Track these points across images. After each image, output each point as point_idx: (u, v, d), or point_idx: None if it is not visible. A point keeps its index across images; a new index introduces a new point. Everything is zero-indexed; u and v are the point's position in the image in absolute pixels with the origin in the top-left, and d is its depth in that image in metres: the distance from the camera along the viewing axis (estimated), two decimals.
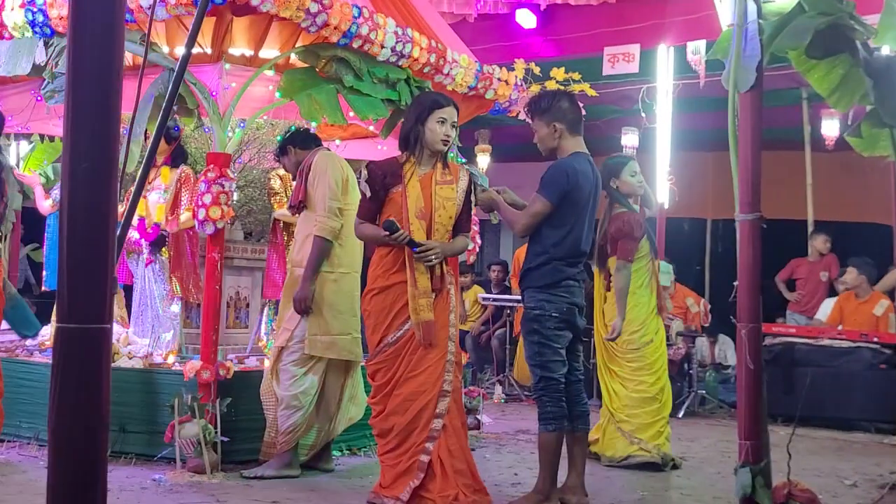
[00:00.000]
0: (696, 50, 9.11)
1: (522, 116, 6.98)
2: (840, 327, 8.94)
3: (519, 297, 9.63)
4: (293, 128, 5.71)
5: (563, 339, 4.64)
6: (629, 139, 10.76)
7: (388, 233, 4.40)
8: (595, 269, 6.25)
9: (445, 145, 4.61)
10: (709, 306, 10.67)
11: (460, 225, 4.68)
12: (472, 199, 4.77)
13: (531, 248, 4.72)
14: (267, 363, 5.71)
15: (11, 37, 5.62)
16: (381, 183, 4.53)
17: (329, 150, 5.85)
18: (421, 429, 4.44)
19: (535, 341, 4.63)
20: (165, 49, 5.60)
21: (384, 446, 4.54)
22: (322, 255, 5.31)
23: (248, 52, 5.67)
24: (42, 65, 5.54)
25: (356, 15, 5.41)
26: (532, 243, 4.71)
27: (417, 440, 4.43)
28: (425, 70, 5.99)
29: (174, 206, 6.12)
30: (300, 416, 5.32)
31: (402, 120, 4.65)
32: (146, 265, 6.27)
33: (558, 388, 4.60)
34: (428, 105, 4.62)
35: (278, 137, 6.01)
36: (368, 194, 4.54)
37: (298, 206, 5.45)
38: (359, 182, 4.65)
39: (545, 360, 4.60)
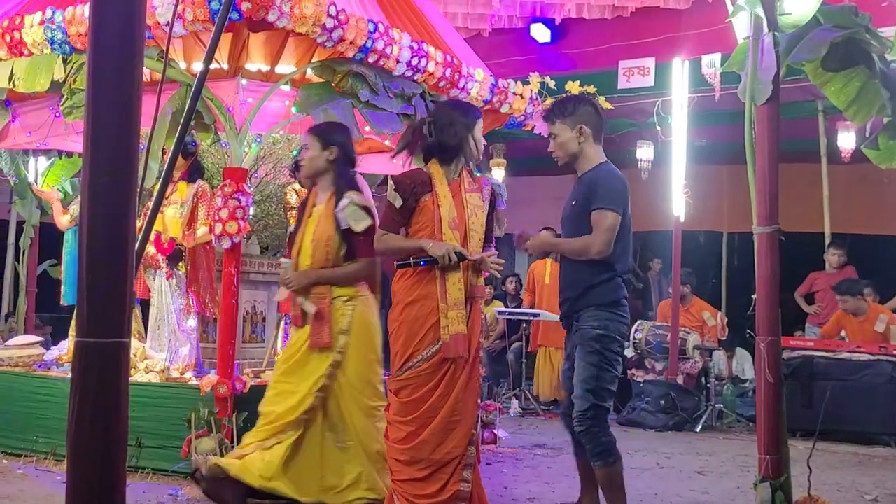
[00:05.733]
0: (711, 63, 9.11)
1: (538, 130, 7.00)
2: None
3: (535, 312, 9.72)
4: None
5: (619, 364, 4.42)
6: (644, 152, 10.76)
7: (458, 260, 4.21)
8: None
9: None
10: (725, 319, 10.63)
11: (486, 236, 4.48)
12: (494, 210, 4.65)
13: (592, 265, 4.37)
14: None
15: (31, 53, 5.66)
16: (410, 192, 4.31)
17: None
18: (461, 457, 4.21)
19: (594, 363, 4.30)
20: (182, 65, 5.63)
21: (408, 474, 4.21)
22: None
23: (265, 68, 5.69)
24: (60, 81, 5.58)
25: (372, 30, 5.43)
26: (592, 260, 4.38)
27: (454, 468, 4.21)
28: (441, 84, 6.00)
29: (191, 220, 6.14)
30: None
31: (437, 129, 4.39)
32: (167, 278, 6.28)
33: (606, 416, 4.37)
34: (473, 115, 4.48)
35: (294, 153, 6.04)
36: (397, 205, 4.32)
37: None
38: (384, 194, 4.53)
39: (601, 386, 4.30)
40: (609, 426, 4.30)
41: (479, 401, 4.42)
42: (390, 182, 4.38)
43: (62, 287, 7.13)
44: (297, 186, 6.52)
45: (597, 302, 4.35)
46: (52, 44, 5.49)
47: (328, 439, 4.75)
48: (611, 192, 4.38)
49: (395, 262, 4.34)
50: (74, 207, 7.02)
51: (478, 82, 6.27)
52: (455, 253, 4.21)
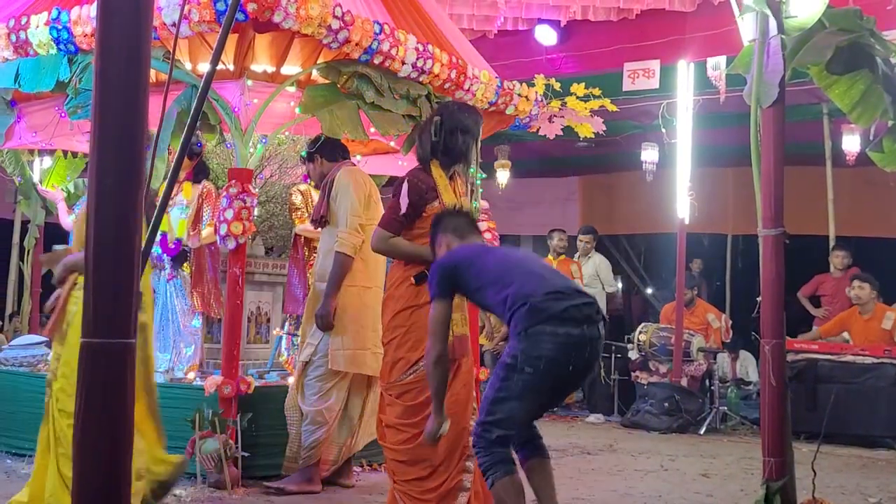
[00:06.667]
0: (717, 65, 9.10)
1: (543, 132, 7.00)
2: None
3: None
4: (322, 137, 5.70)
5: (535, 392, 3.78)
6: (649, 155, 10.76)
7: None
8: None
9: None
10: (730, 322, 10.62)
11: None
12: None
13: (492, 305, 3.90)
14: (291, 379, 5.72)
15: (36, 54, 5.67)
16: (423, 196, 4.36)
17: (354, 164, 5.88)
18: (461, 450, 4.24)
19: (495, 388, 3.76)
20: (188, 65, 5.64)
21: (411, 474, 4.26)
22: (343, 271, 5.32)
23: (270, 69, 5.70)
24: (66, 81, 5.58)
25: (377, 31, 5.43)
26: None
27: (456, 461, 4.24)
28: (446, 86, 6.00)
29: (196, 221, 6.14)
30: (324, 432, 5.33)
31: (446, 132, 4.41)
32: (168, 280, 6.30)
33: (490, 440, 3.72)
34: (480, 122, 4.53)
35: (302, 153, 6.04)
36: (404, 210, 4.33)
37: (320, 220, 5.48)
38: (387, 196, 4.52)
39: (492, 411, 3.72)
40: (492, 449, 3.68)
41: (474, 395, 4.46)
42: (405, 186, 4.37)
43: None
44: (301, 187, 6.53)
45: (512, 332, 3.77)
46: (57, 44, 5.50)
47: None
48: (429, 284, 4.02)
49: (413, 278, 4.33)
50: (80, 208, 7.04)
51: (483, 84, 6.26)
52: None
